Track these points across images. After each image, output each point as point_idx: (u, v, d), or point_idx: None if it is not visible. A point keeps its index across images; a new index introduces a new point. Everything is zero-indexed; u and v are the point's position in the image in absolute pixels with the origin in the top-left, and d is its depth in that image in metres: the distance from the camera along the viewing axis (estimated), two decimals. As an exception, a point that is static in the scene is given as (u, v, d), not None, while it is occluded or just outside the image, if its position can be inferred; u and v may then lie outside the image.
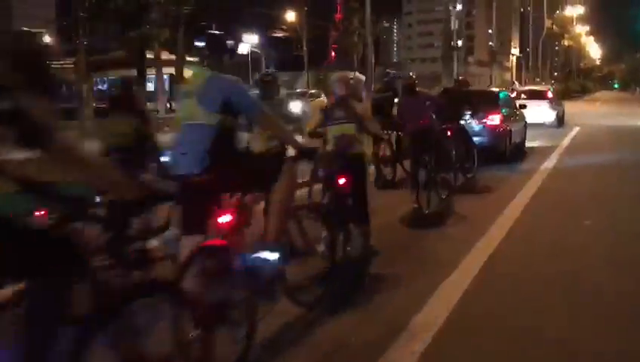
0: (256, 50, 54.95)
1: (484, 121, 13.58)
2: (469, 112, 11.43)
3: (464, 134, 10.86)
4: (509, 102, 15.87)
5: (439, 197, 8.69)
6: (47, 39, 3.15)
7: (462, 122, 11.06)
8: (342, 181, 5.62)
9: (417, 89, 9.10)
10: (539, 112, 22.18)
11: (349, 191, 5.69)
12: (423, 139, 8.19)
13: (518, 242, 6.72)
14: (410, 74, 9.27)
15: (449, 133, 10.05)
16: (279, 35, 55.70)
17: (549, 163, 13.32)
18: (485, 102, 14.51)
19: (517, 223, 7.50)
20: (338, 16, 66.59)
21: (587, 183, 10.75)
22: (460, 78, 12.54)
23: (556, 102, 24.94)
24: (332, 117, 6.03)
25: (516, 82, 74.01)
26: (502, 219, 7.70)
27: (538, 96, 23.99)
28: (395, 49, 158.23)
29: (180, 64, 28.21)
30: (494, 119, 13.63)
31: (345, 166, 5.73)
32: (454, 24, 32.20)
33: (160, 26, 26.56)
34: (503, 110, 14.56)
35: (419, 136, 8.25)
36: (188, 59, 31.29)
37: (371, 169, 10.83)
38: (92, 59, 25.02)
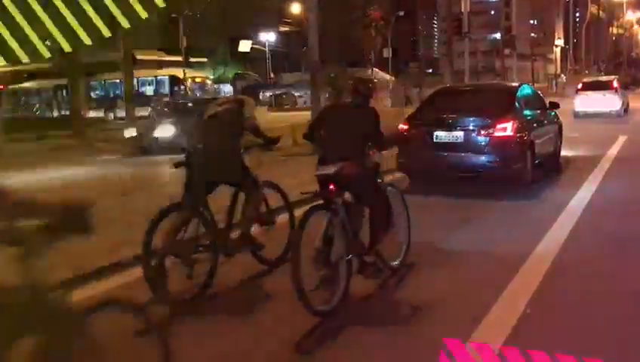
0: (257, 46, 50.97)
1: (490, 131, 9.16)
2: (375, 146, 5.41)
3: (365, 190, 5.23)
4: (535, 101, 11.30)
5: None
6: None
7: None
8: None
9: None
10: (606, 101, 23.98)
11: None
12: None
13: None
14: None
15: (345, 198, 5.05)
16: (286, 28, 51.85)
17: (577, 207, 8.54)
18: (491, 103, 10.09)
19: None
20: (377, 14, 62.86)
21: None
22: (356, 77, 5.75)
23: (622, 92, 25.69)
24: None
25: (563, 75, 68.46)
26: None
27: (605, 86, 25.07)
28: (436, 44, 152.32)
29: (128, 64, 23.48)
30: (506, 128, 9.20)
31: None
32: (466, 5, 26.99)
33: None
34: (526, 112, 10.12)
35: None
36: (139, 57, 27.48)
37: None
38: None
